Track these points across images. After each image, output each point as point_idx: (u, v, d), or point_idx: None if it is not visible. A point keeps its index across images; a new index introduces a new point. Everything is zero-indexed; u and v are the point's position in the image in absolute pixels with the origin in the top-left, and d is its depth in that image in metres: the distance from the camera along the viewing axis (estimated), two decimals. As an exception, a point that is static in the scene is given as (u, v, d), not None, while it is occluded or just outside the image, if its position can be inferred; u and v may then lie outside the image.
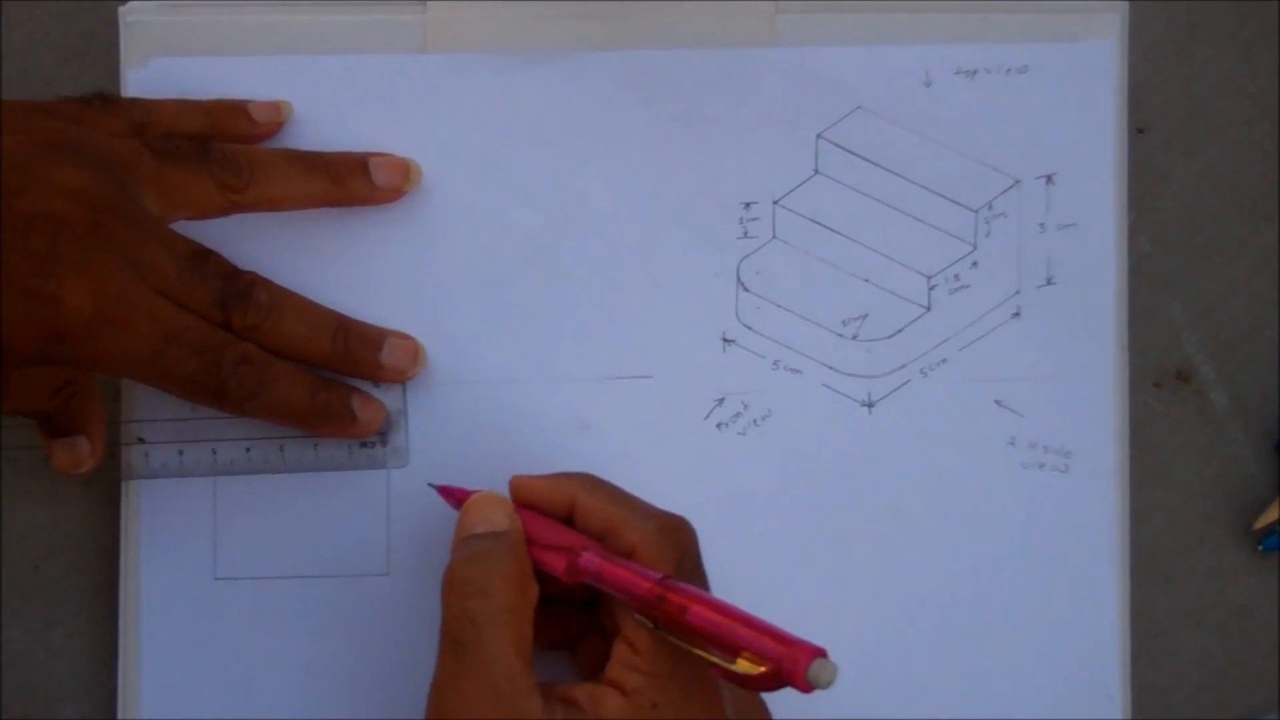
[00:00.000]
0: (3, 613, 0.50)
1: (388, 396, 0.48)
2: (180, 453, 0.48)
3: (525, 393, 0.49)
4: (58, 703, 0.50)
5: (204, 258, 0.44)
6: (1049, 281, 0.50)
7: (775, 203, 0.50)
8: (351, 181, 0.48)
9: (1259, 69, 0.53)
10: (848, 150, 0.50)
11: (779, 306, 0.50)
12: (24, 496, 0.50)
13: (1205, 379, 0.53)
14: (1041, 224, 0.50)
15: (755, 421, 0.49)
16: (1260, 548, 0.52)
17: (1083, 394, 0.50)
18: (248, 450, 0.48)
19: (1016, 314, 0.50)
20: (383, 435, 0.48)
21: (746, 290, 0.50)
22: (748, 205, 0.50)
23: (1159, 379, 0.53)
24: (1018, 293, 0.50)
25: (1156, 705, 0.52)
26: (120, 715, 0.48)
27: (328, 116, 0.49)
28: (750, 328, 0.50)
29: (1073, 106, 0.50)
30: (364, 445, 0.49)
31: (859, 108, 0.50)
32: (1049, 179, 0.50)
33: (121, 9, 0.49)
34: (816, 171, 0.50)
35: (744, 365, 0.49)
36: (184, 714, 0.48)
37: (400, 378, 0.48)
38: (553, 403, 0.49)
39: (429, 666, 0.49)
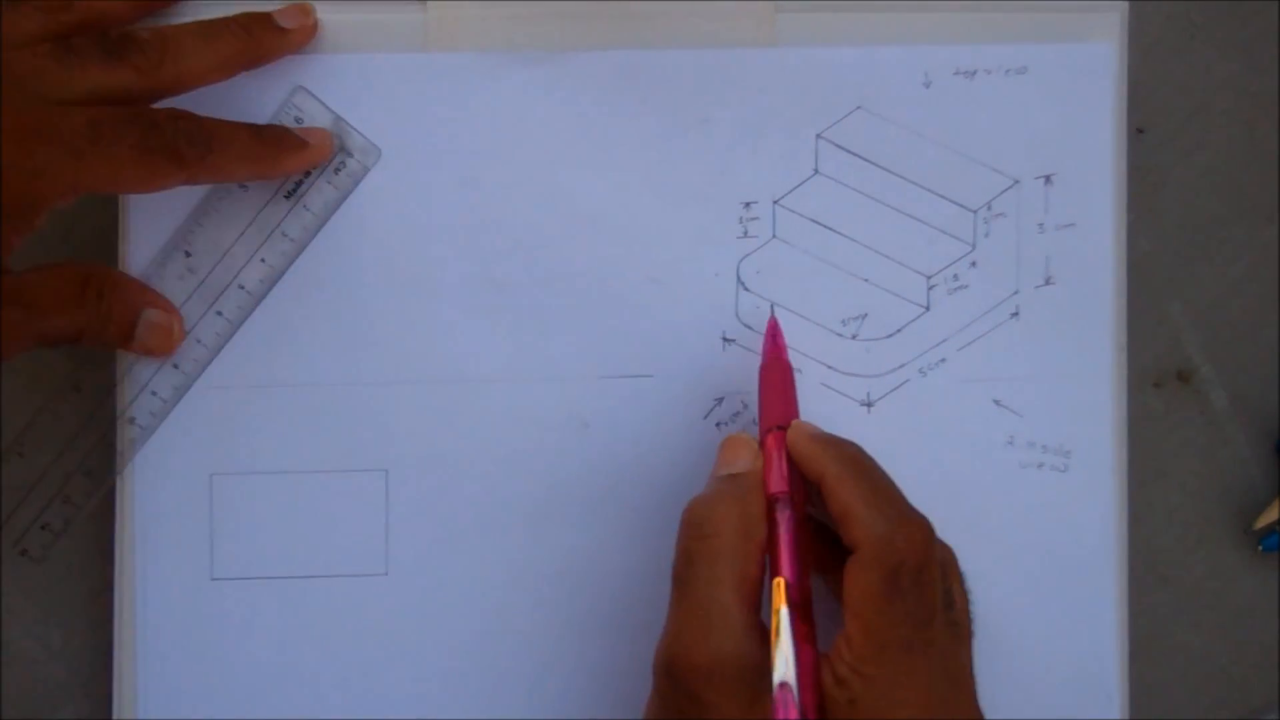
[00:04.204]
0: (3, 613, 0.50)
1: None
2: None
3: (525, 392, 0.49)
4: (57, 703, 0.50)
5: (66, 40, 0.44)
6: (1048, 281, 0.50)
7: (775, 202, 0.50)
8: (261, 34, 0.47)
9: (1259, 69, 0.53)
10: (847, 150, 0.50)
11: (779, 306, 0.50)
12: (10, 501, 0.50)
13: (1205, 379, 0.53)
14: (1040, 224, 0.50)
15: (755, 420, 0.49)
16: (1260, 548, 0.52)
17: (1082, 394, 0.50)
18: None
19: (1015, 314, 0.50)
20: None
21: (746, 289, 0.50)
22: (748, 205, 0.50)
23: (1159, 379, 0.53)
24: (1016, 292, 0.50)
25: (1156, 705, 0.52)
26: (115, 715, 0.48)
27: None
28: (750, 327, 0.50)
29: (1072, 107, 0.50)
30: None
31: (859, 108, 0.50)
32: (1048, 179, 0.50)
33: (122, 9, 0.49)
34: (816, 171, 0.50)
35: (744, 364, 0.49)
36: (180, 715, 0.48)
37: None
38: (553, 402, 0.49)
39: (429, 666, 0.49)
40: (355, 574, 0.49)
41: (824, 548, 0.45)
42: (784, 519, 0.43)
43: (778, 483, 0.44)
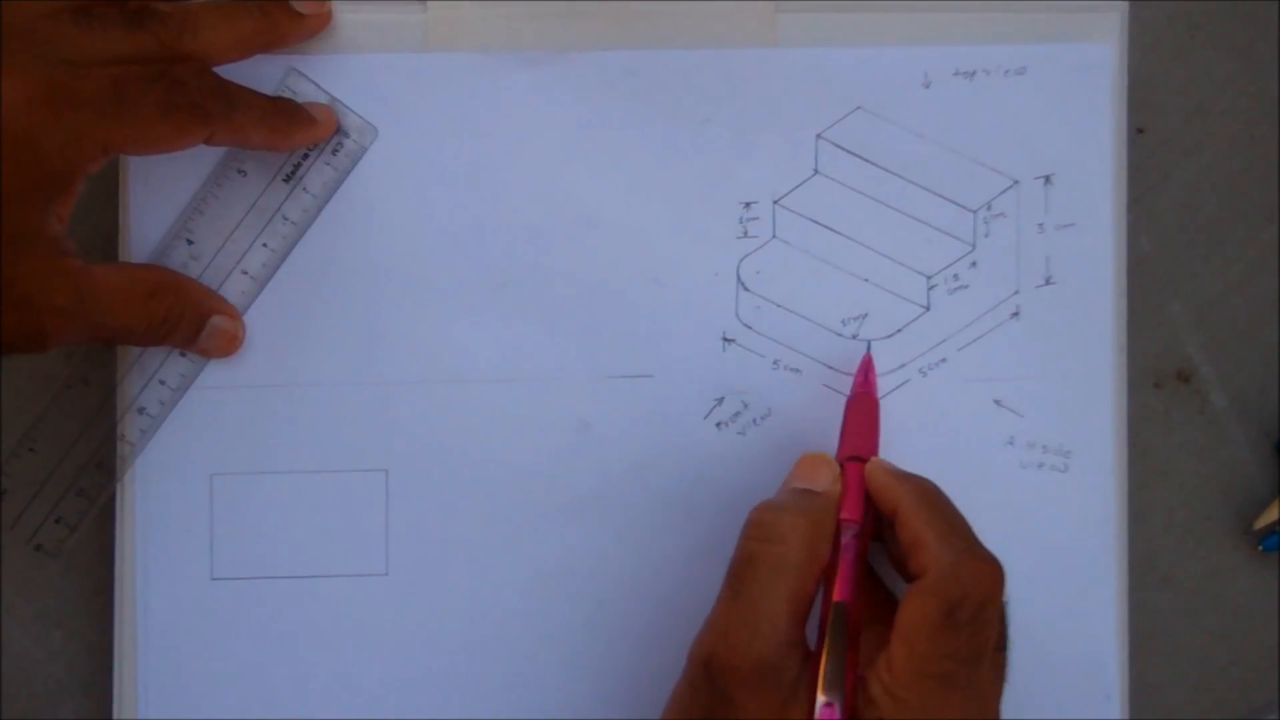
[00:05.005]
0: (3, 613, 0.50)
1: None
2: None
3: (526, 392, 0.49)
4: (57, 703, 0.50)
5: (87, 9, 0.44)
6: (1048, 281, 0.50)
7: (775, 202, 0.50)
8: (278, 17, 0.47)
9: (1259, 69, 0.53)
10: (847, 150, 0.50)
11: (779, 306, 0.50)
12: (24, 496, 0.50)
13: (1205, 379, 0.53)
14: (1040, 224, 0.50)
15: (755, 421, 0.49)
16: (1260, 548, 0.52)
17: (1082, 394, 0.50)
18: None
19: (1015, 314, 0.50)
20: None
21: (746, 290, 0.50)
22: (748, 205, 0.50)
23: (1159, 379, 0.53)
24: (1016, 293, 0.50)
25: (1156, 705, 0.52)
26: (115, 715, 0.48)
27: (328, 116, 0.49)
28: (750, 327, 0.50)
29: (1071, 107, 0.50)
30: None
31: (859, 108, 0.50)
32: (1047, 179, 0.50)
33: (123, 9, 0.49)
34: (816, 171, 0.50)
35: (744, 364, 0.49)
36: (180, 715, 0.48)
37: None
38: (554, 402, 0.49)
39: (429, 666, 0.49)
40: (355, 574, 0.49)
41: (870, 592, 0.45)
42: (850, 545, 0.43)
43: (852, 509, 0.44)
